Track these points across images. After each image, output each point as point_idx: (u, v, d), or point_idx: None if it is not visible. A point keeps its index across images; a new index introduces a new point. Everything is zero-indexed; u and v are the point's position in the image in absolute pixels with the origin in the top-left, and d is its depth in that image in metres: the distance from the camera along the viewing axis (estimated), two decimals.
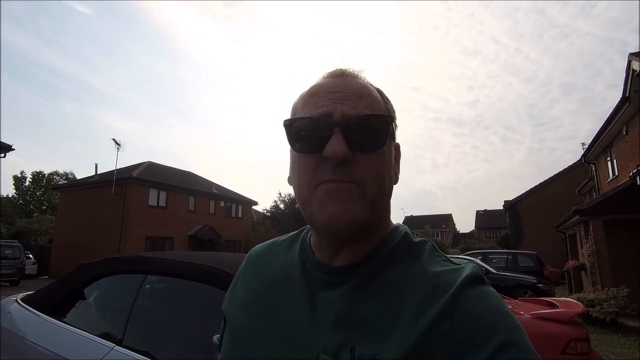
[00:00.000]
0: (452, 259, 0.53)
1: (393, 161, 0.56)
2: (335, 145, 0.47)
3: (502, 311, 0.45)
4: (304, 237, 0.62)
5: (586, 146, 14.06)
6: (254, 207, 29.12)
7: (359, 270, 0.51)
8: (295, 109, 0.57)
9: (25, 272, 15.94)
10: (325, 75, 0.57)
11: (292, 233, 0.66)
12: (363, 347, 0.45)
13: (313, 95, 0.54)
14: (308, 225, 0.60)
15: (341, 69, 0.57)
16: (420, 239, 0.56)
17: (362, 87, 0.54)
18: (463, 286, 0.46)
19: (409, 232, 0.57)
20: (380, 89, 0.58)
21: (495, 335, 0.41)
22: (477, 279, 0.47)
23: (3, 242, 15.98)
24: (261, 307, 0.56)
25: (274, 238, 0.68)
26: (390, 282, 0.49)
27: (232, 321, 0.59)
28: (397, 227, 0.57)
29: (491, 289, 0.48)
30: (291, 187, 0.56)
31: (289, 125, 0.53)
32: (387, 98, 0.58)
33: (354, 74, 0.56)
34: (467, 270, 0.48)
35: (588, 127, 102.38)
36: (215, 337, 0.68)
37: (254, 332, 0.54)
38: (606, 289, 8.13)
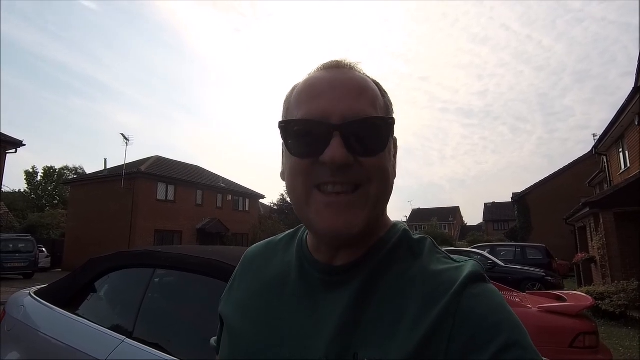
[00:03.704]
0: (452, 256, 0.52)
1: (392, 158, 0.54)
2: (334, 150, 0.45)
3: (505, 310, 0.44)
4: (301, 236, 0.60)
5: (597, 137, 13.83)
6: (261, 200, 29.27)
7: (359, 270, 0.50)
8: (288, 105, 0.53)
9: (39, 266, 16.25)
10: (320, 67, 0.53)
11: (289, 232, 0.64)
12: (366, 352, 0.44)
13: (308, 91, 0.50)
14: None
15: (337, 61, 0.53)
16: (419, 236, 0.55)
17: (361, 80, 0.51)
18: (464, 285, 0.45)
19: (408, 229, 0.56)
20: (377, 81, 0.55)
21: (498, 335, 0.41)
22: (478, 277, 0.47)
23: (16, 236, 16.32)
24: (259, 309, 0.55)
25: (270, 238, 0.67)
26: (392, 284, 0.49)
27: (230, 324, 0.57)
28: (395, 224, 0.56)
29: (493, 287, 0.47)
30: (284, 182, 0.54)
31: (284, 127, 0.50)
32: (384, 91, 0.55)
33: (350, 66, 0.53)
34: (468, 268, 0.48)
35: (601, 117, 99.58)
36: (213, 340, 0.67)
37: (252, 336, 0.53)
38: (616, 282, 8.06)
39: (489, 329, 0.41)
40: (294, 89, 0.54)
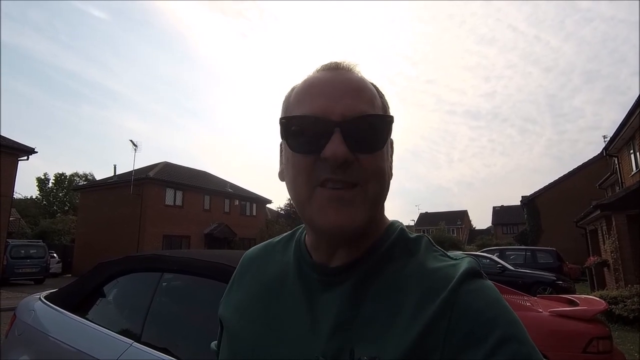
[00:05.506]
0: (449, 254, 0.52)
1: (389, 158, 0.54)
2: (336, 147, 0.46)
3: (501, 305, 0.44)
4: (299, 237, 0.60)
5: (607, 139, 13.64)
6: (268, 205, 29.33)
7: (357, 269, 0.51)
8: (287, 104, 0.54)
9: (50, 271, 16.50)
10: (319, 68, 0.54)
11: (286, 233, 0.65)
12: (363, 349, 0.44)
13: (308, 90, 0.51)
14: (303, 225, 0.59)
15: (336, 62, 0.54)
16: (416, 234, 0.55)
17: (359, 81, 0.52)
18: (461, 281, 0.45)
19: (405, 228, 0.56)
20: (375, 84, 0.56)
21: (494, 329, 0.41)
22: (475, 273, 0.47)
23: (28, 242, 16.59)
24: (258, 310, 0.55)
25: (268, 240, 0.67)
26: (389, 281, 0.49)
27: (230, 326, 0.58)
28: (392, 223, 0.56)
29: (489, 282, 0.47)
30: (283, 182, 0.54)
31: (285, 123, 0.51)
32: (382, 93, 0.56)
33: (348, 67, 0.54)
34: (465, 264, 0.48)
35: (612, 117, 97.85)
36: (213, 344, 0.67)
37: (252, 337, 0.53)
38: (629, 285, 7.90)
39: (486, 323, 0.42)
40: (293, 89, 0.55)
